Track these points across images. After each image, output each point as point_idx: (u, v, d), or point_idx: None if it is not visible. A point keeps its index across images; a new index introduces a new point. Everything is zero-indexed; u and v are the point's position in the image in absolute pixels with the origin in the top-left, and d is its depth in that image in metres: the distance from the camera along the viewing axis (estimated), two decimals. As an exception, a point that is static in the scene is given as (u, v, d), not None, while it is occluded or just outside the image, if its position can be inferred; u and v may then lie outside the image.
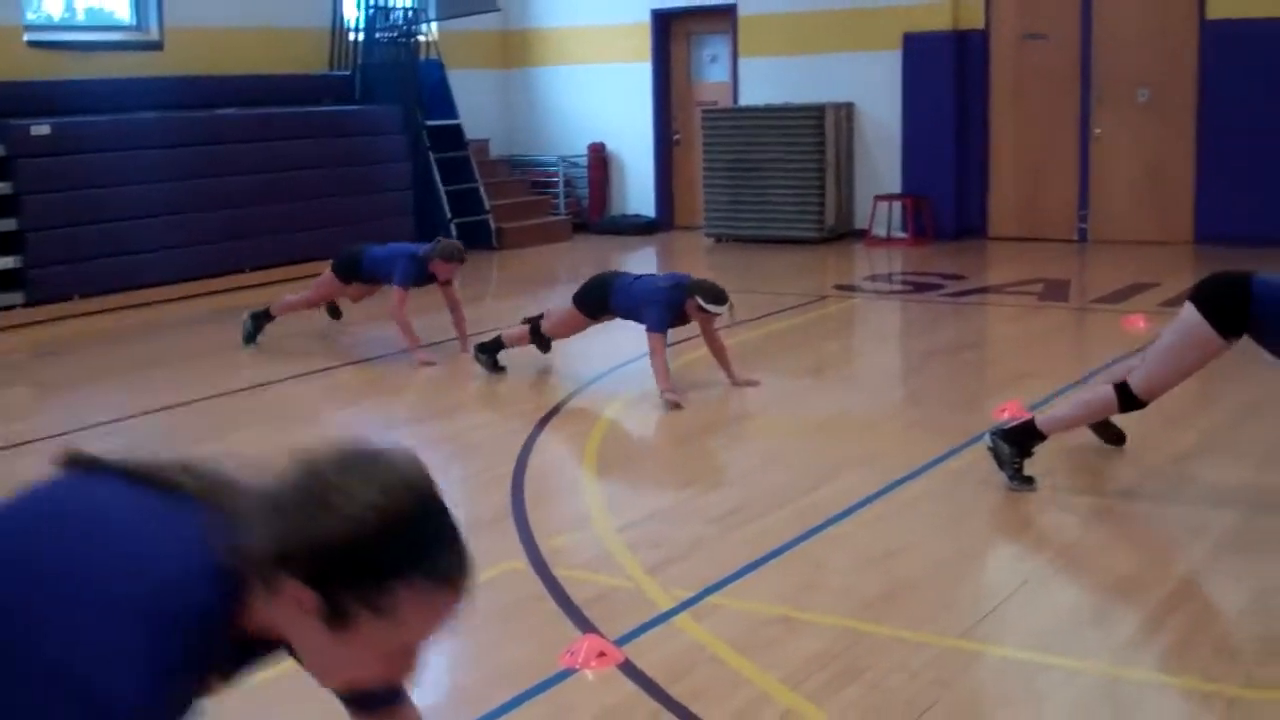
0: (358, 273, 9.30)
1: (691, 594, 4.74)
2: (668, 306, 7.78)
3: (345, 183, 13.44)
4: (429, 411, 8.06)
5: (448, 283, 9.00)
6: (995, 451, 5.89)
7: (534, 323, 8.47)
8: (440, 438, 7.24)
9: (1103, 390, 5.84)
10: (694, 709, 3.86)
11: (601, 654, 4.21)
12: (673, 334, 7.93)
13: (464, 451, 7.00)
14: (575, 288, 8.38)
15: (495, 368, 8.54)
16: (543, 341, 8.50)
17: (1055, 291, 11.13)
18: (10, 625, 1.60)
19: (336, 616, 1.65)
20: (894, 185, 14.55)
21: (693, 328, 8.07)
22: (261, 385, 8.45)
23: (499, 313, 9.94)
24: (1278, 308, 5.28)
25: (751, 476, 6.30)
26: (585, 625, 4.49)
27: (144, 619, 1.59)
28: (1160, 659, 4.20)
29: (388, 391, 8.61)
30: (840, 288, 11.91)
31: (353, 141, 13.66)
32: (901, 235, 14.31)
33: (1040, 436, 5.87)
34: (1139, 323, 9.27)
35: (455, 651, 4.33)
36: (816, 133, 14.36)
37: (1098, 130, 13.68)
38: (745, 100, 15.35)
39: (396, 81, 14.30)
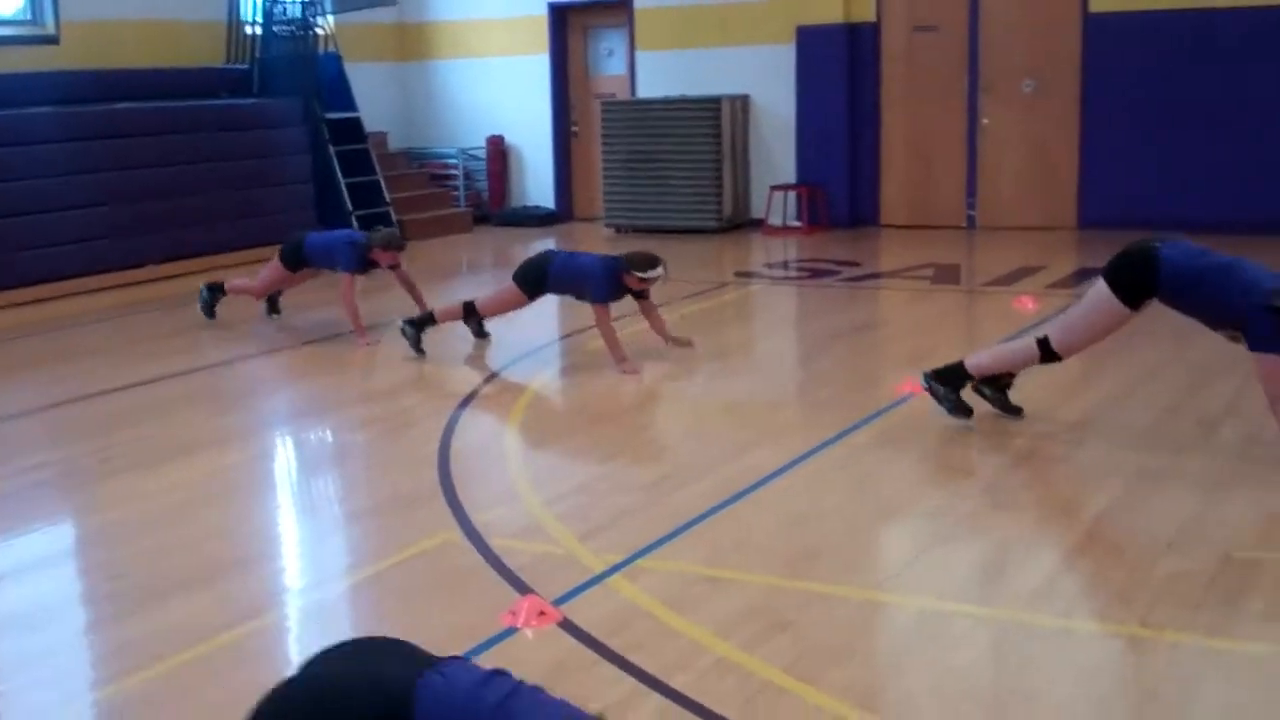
0: (302, 260, 9.60)
1: (622, 558, 4.98)
2: (608, 280, 8.17)
3: (246, 176, 13.48)
4: (360, 394, 8.25)
5: (395, 266, 9.38)
6: (932, 390, 6.70)
7: (469, 304, 8.81)
8: (372, 418, 7.45)
9: (1027, 343, 6.51)
10: (632, 660, 4.10)
11: (541, 613, 4.44)
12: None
13: (394, 431, 7.19)
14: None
15: (418, 346, 8.83)
16: (478, 324, 8.94)
17: (946, 275, 11.56)
18: None
19: None
20: (789, 175, 14.91)
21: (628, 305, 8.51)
22: (201, 369, 8.54)
23: (403, 305, 10.10)
24: (1180, 277, 5.97)
25: (670, 451, 6.55)
26: (523, 589, 4.71)
27: None
28: (1063, 606, 4.51)
29: (324, 373, 8.78)
30: (740, 274, 12.21)
31: (252, 135, 13.69)
32: (797, 224, 14.66)
33: (969, 377, 6.61)
34: (1027, 303, 9.67)
35: (402, 617, 4.53)
36: (713, 125, 14.66)
37: (985, 120, 14.15)
38: (643, 93, 15.62)
39: (295, 74, 14.35)
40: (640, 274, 8.14)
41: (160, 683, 4.11)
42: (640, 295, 8.40)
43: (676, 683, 3.92)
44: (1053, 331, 6.42)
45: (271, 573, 5.20)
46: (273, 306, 10.36)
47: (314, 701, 2.34)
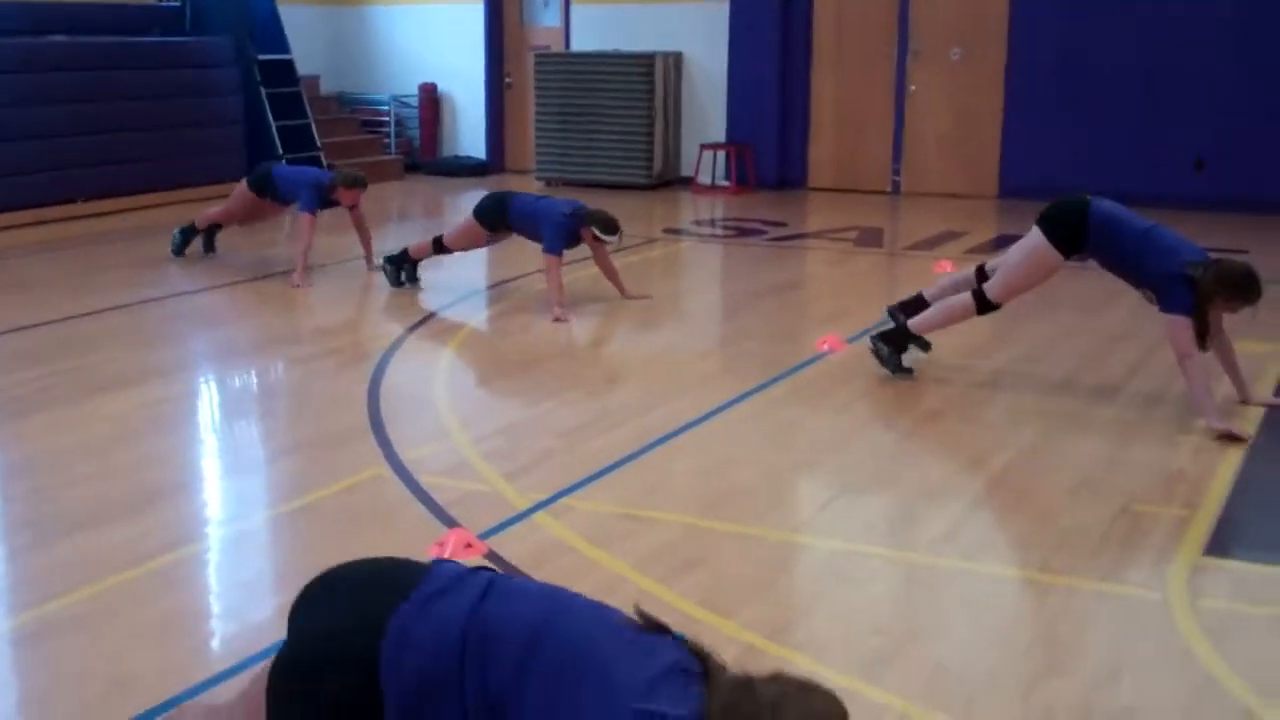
0: (270, 186, 9.80)
1: (546, 496, 5.15)
2: (565, 230, 8.41)
3: (176, 115, 13.38)
4: (294, 333, 8.36)
5: (354, 207, 9.58)
6: (876, 351, 6.92)
7: (438, 238, 9.13)
8: (305, 357, 7.57)
9: (964, 297, 6.80)
10: (556, 591, 4.27)
11: (468, 545, 4.59)
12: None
13: (327, 370, 7.28)
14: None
15: (397, 281, 9.20)
16: (412, 268, 9.27)
17: (870, 238, 11.79)
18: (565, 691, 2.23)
19: None
20: (719, 135, 15.05)
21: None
22: (137, 303, 8.55)
23: (332, 247, 10.21)
24: (1107, 228, 6.35)
25: (595, 398, 6.71)
26: (450, 523, 4.86)
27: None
28: (967, 550, 4.74)
29: (261, 312, 8.86)
30: (668, 231, 12.36)
31: (183, 74, 13.59)
32: (725, 184, 14.82)
33: (912, 336, 6.89)
34: (947, 267, 9.90)
35: (330, 546, 4.66)
36: (646, 81, 14.76)
37: (913, 86, 14.37)
38: (577, 46, 15.68)
39: (227, 14, 14.25)
40: (598, 233, 8.42)
41: (89, 604, 4.21)
42: (593, 245, 8.66)
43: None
44: (988, 285, 6.72)
45: (201, 503, 5.31)
46: (209, 245, 10.45)
47: (296, 676, 2.43)
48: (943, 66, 14.18)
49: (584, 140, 15.04)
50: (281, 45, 14.74)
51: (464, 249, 9.22)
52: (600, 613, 2.41)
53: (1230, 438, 5.88)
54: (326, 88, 16.46)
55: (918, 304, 7.15)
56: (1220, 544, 4.78)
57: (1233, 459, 5.67)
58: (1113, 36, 13.17)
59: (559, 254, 8.47)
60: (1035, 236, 6.54)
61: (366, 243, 9.89)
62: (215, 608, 4.36)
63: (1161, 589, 4.39)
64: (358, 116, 16.62)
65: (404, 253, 9.23)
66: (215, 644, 4.05)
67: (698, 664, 2.25)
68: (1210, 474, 5.49)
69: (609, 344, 8.09)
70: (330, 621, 2.43)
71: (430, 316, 8.58)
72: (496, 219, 8.79)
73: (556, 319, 8.24)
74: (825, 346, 7.53)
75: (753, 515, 5.03)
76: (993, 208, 13.45)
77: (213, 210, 10.37)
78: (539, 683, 2.26)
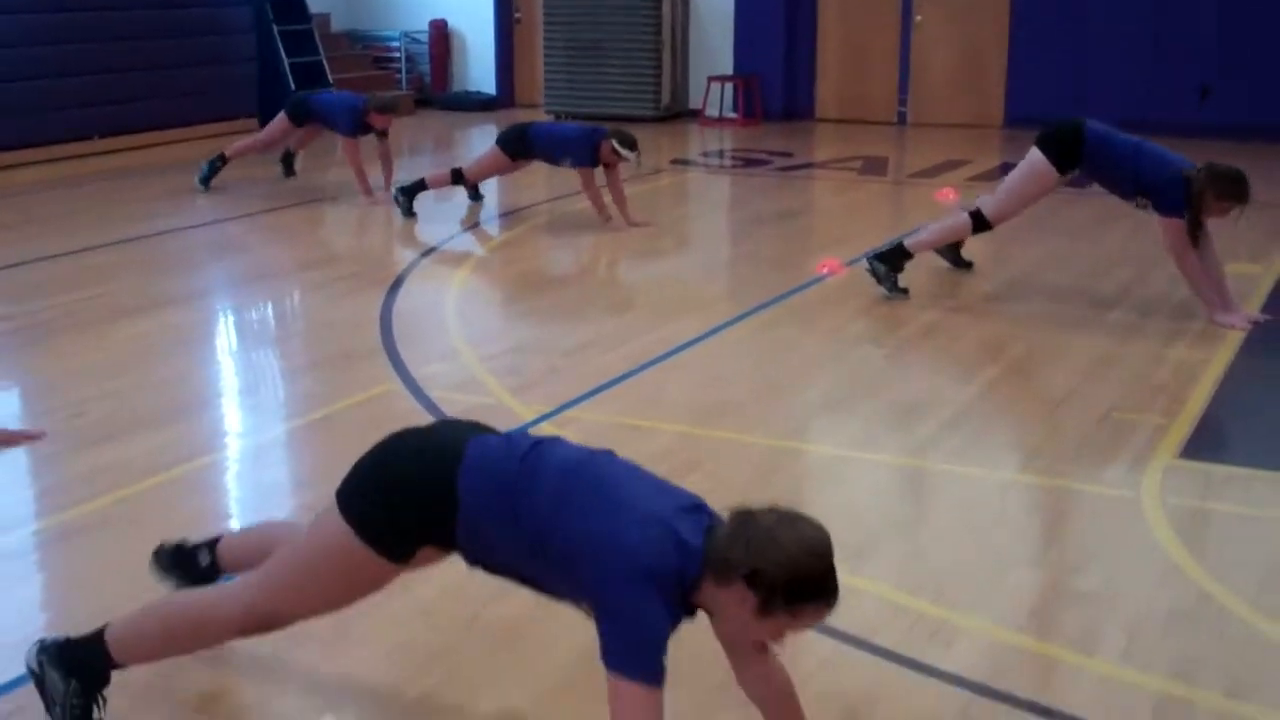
0: (308, 115, 10.14)
1: (550, 409, 5.39)
2: (589, 146, 8.80)
3: (190, 53, 13.55)
4: (309, 259, 8.56)
5: (384, 134, 9.92)
6: (873, 270, 7.14)
7: (456, 169, 9.51)
8: (321, 281, 7.78)
9: (961, 217, 7.12)
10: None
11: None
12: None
13: (342, 294, 7.49)
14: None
15: (409, 212, 9.47)
16: (470, 186, 9.69)
17: (874, 167, 11.97)
18: (579, 510, 2.67)
19: (763, 610, 2.56)
20: (726, 67, 15.18)
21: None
22: (164, 233, 8.79)
23: (342, 184, 10.44)
24: (1102, 146, 6.71)
25: (598, 320, 6.93)
26: (458, 432, 5.09)
27: (660, 545, 2.59)
28: (950, 453, 4.97)
29: (280, 240, 9.16)
30: (675, 162, 12.53)
31: (196, 12, 13.74)
32: (733, 115, 14.96)
33: (908, 255, 7.15)
34: (949, 194, 10.09)
35: (345, 454, 4.90)
36: (653, 14, 14.88)
37: (919, 17, 14.47)
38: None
39: (239, -48, 14.39)
40: (618, 147, 8.75)
41: (118, 508, 4.47)
42: (610, 167, 8.99)
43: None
44: (985, 203, 7.05)
45: (220, 416, 5.57)
46: (289, 168, 10.89)
47: (391, 453, 2.94)
48: (949, -3, 14.28)
49: (592, 74, 15.18)
50: (293, -17, 14.87)
51: (484, 178, 9.62)
52: (633, 465, 2.86)
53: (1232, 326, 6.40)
54: (337, 25, 16.59)
55: (898, 253, 7.20)
56: (1194, 448, 5.00)
57: (1213, 372, 5.89)
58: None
59: (591, 167, 8.90)
60: (1033, 155, 6.88)
61: (388, 172, 10.17)
62: (236, 510, 4.62)
63: (1135, 489, 4.62)
64: (369, 53, 16.76)
65: (420, 182, 9.51)
66: None
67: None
68: (1190, 386, 5.71)
69: (613, 269, 8.32)
70: (424, 442, 2.94)
71: (442, 243, 8.82)
72: (520, 146, 9.17)
73: (605, 220, 8.87)
74: (825, 270, 7.74)
75: (745, 424, 5.27)
76: (997, 137, 13.60)
77: (244, 142, 10.67)
78: (573, 505, 2.68)
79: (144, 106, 13.03)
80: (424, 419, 5.26)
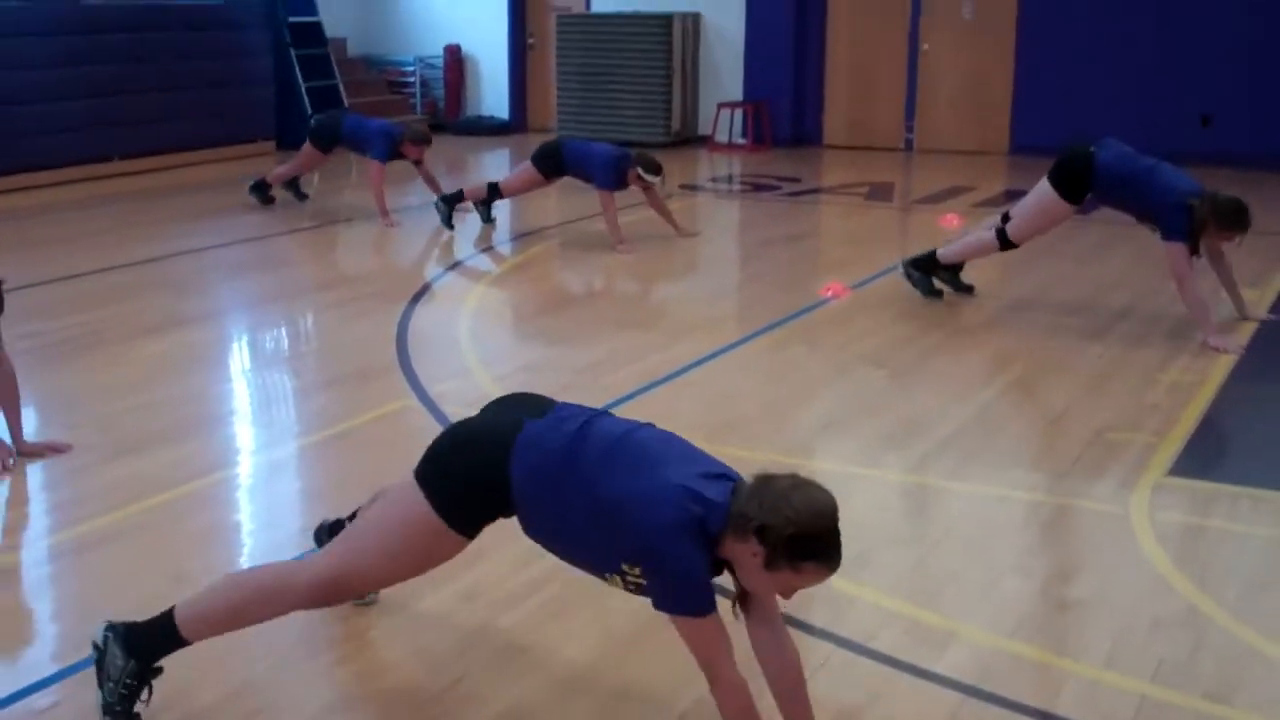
0: (336, 140, 10.47)
1: (561, 425, 5.55)
2: (615, 170, 9.13)
3: (208, 76, 13.79)
4: (330, 279, 8.83)
5: (419, 161, 10.22)
6: (908, 276, 7.71)
7: (493, 184, 9.97)
8: (339, 301, 8.00)
9: (988, 234, 7.54)
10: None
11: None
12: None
13: (359, 313, 7.70)
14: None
15: (449, 222, 9.95)
16: (492, 199, 10.09)
17: (881, 193, 12.17)
18: (618, 478, 2.99)
19: (770, 563, 2.86)
20: (736, 94, 15.40)
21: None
22: (188, 252, 9.00)
23: (355, 207, 10.67)
24: (1111, 176, 7.00)
25: (609, 339, 7.11)
26: (472, 446, 5.27)
27: (688, 503, 2.90)
28: (947, 470, 5.15)
29: (303, 260, 9.46)
30: (685, 187, 12.72)
31: (215, 35, 14.00)
32: (742, 141, 15.17)
33: (938, 264, 7.62)
34: (953, 220, 10.27)
35: (364, 468, 5.09)
36: (664, 41, 15.12)
37: (925, 46, 14.69)
38: (597, 8, 16.04)
39: (258, -23, 14.64)
40: (643, 173, 9.14)
41: (140, 518, 4.65)
42: (645, 189, 9.39)
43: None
44: (1009, 225, 7.40)
45: (237, 432, 5.75)
46: (299, 195, 11.19)
47: (455, 440, 3.29)
48: (955, 25, 14.49)
49: (604, 99, 15.41)
50: (310, 8, 15.12)
51: (518, 192, 10.02)
52: (670, 435, 3.20)
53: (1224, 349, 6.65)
54: (354, 50, 16.84)
55: (930, 261, 7.69)
56: (1183, 467, 5.17)
57: (1205, 394, 6.05)
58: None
59: (613, 191, 9.19)
60: (1045, 187, 7.19)
61: (437, 190, 10.52)
62: (253, 524, 4.75)
63: (1124, 505, 4.78)
64: (385, 78, 17.02)
65: (459, 193, 9.99)
66: (255, 549, 4.46)
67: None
68: (1182, 406, 5.87)
69: (624, 290, 8.51)
70: (495, 417, 3.30)
71: (456, 265, 9.04)
72: (552, 164, 9.53)
73: (621, 251, 9.06)
74: (829, 293, 7.93)
75: (750, 441, 5.44)
76: (1003, 163, 13.79)
77: (282, 168, 11.03)
78: (617, 471, 3.00)
79: (162, 129, 13.26)
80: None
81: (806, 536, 2.82)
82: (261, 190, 10.92)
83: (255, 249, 9.60)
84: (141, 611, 3.38)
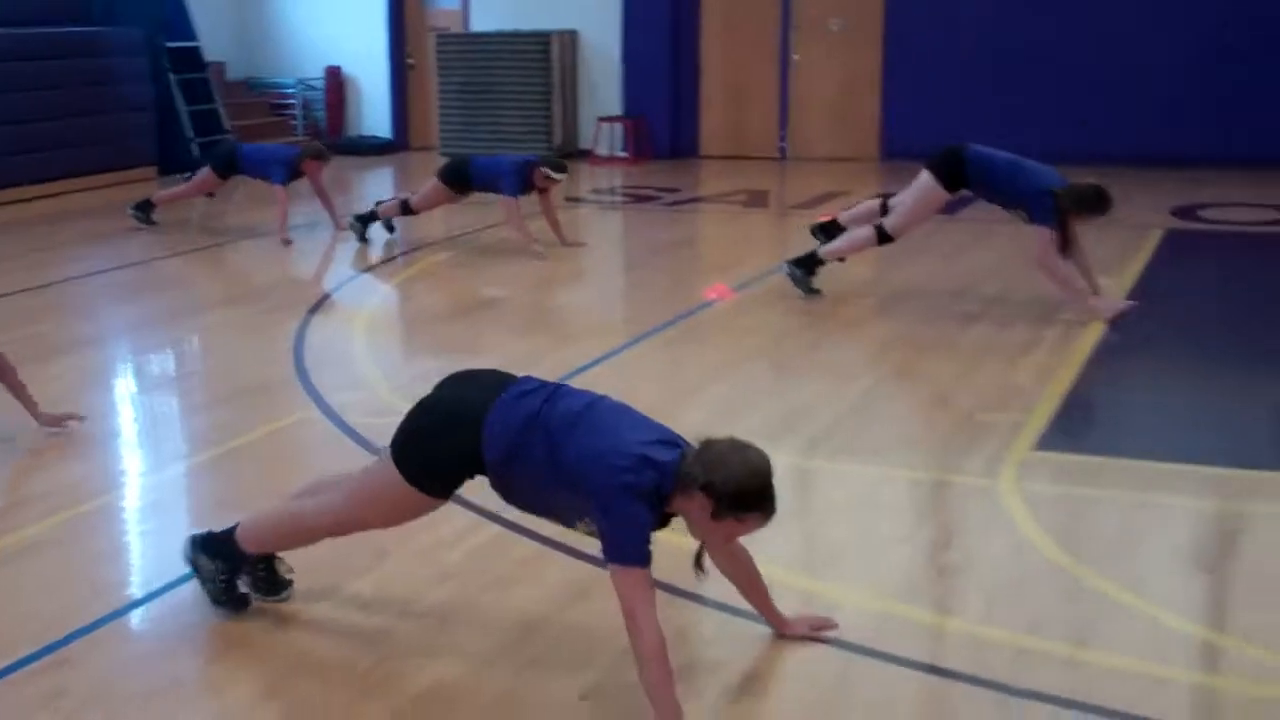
0: (237, 168, 10.75)
1: (463, 426, 5.78)
2: (521, 176, 9.47)
3: (87, 103, 13.74)
4: (227, 295, 8.93)
5: (545, 191, 10.10)
6: (791, 274, 8.02)
7: (404, 200, 10.24)
8: (236, 318, 8.16)
9: (867, 230, 7.97)
10: (471, 499, 4.90)
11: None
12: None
13: (257, 328, 7.90)
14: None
15: (364, 237, 10.31)
16: (383, 218, 10.39)
17: (757, 200, 12.60)
18: (582, 443, 3.37)
19: (717, 516, 3.31)
20: (615, 108, 15.71)
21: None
22: (82, 276, 9.05)
23: (239, 227, 10.79)
24: (983, 166, 7.63)
25: (501, 345, 7.34)
26: (378, 452, 5.45)
27: (642, 466, 3.31)
28: (829, 452, 5.46)
29: (197, 278, 9.68)
30: (569, 200, 12.96)
31: (94, 62, 13.94)
32: (622, 154, 15.48)
33: (820, 262, 8.00)
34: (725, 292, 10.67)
35: (272, 475, 5.27)
36: (543, 58, 15.41)
37: (797, 56, 15.13)
38: (476, 26, 16.26)
39: (135, 2, 14.62)
40: (548, 172, 9.48)
41: (37, 538, 4.77)
42: (544, 192, 9.72)
43: (510, 515, 4.75)
44: (887, 220, 7.88)
45: (139, 449, 5.88)
46: (147, 217, 11.12)
47: (428, 421, 3.64)
48: (825, 37, 14.95)
49: (486, 117, 15.65)
50: (189, 33, 15.13)
51: (428, 209, 10.25)
52: (625, 406, 3.59)
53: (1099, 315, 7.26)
54: (234, 73, 16.88)
55: (833, 227, 8.27)
56: (1047, 442, 5.54)
57: (1067, 375, 6.45)
58: (988, 2, 14.02)
59: (517, 197, 9.55)
60: (924, 177, 7.74)
61: (330, 207, 10.80)
62: (152, 537, 4.80)
63: (993, 477, 5.13)
64: (266, 100, 17.07)
65: (372, 213, 10.27)
66: (158, 563, 4.50)
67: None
68: (1046, 387, 6.26)
69: (513, 299, 8.72)
70: (461, 394, 3.66)
71: (353, 277, 9.24)
72: (458, 178, 9.85)
73: (534, 254, 9.41)
74: (714, 295, 8.25)
75: (646, 434, 5.70)
76: (874, 170, 14.25)
77: (175, 190, 11.20)
78: (580, 437, 3.38)
79: (44, 157, 13.21)
80: (344, 442, 5.66)
81: (746, 491, 3.27)
82: (144, 210, 10.99)
83: (146, 271, 9.66)
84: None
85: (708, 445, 3.34)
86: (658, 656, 3.24)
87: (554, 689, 3.58)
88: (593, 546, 3.50)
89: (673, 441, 3.42)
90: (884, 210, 8.11)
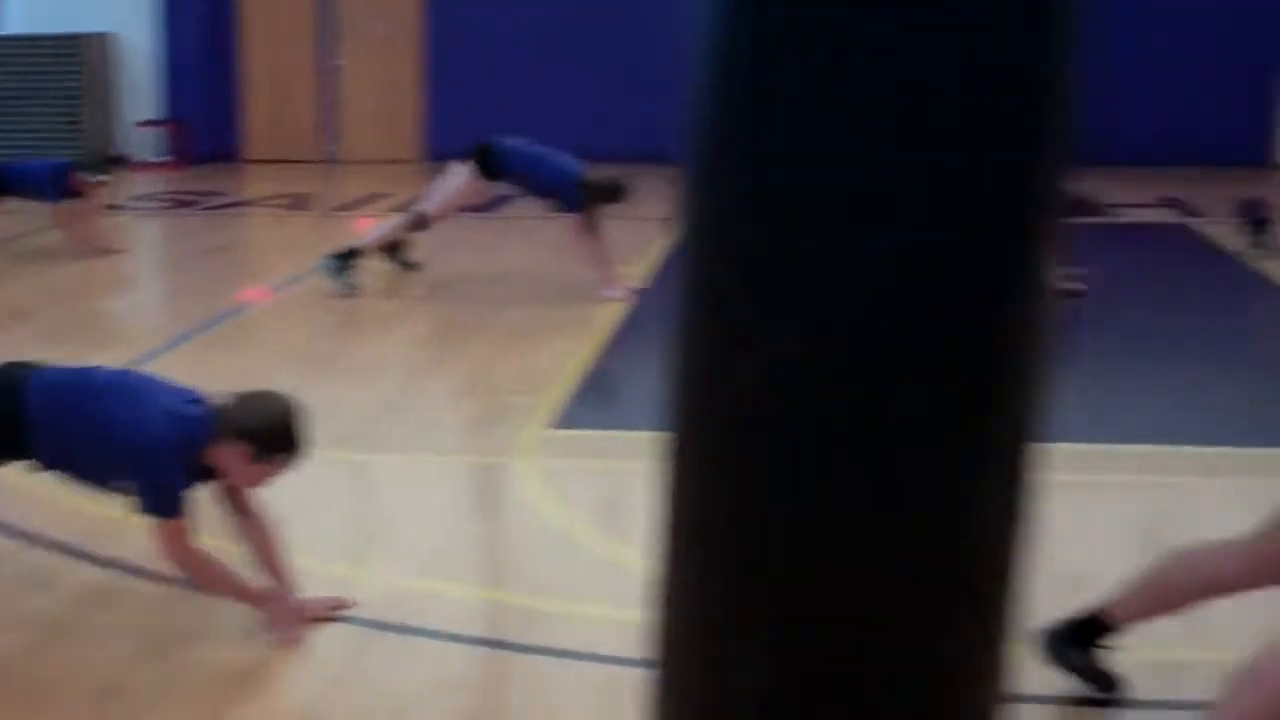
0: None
1: None
2: (55, 181, 9.50)
3: None
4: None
5: (85, 195, 9.69)
6: (327, 268, 8.26)
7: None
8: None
9: (404, 216, 8.47)
10: None
11: None
12: None
13: None
14: None
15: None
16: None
17: (301, 203, 12.71)
18: (116, 408, 3.69)
19: (255, 460, 3.66)
20: (155, 112, 15.37)
21: None
22: None
23: None
24: (514, 159, 8.24)
25: (37, 355, 7.16)
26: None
27: (174, 424, 3.66)
28: (367, 442, 5.72)
29: None
30: (109, 208, 12.62)
31: None
32: (164, 159, 15.16)
33: (358, 254, 8.30)
34: (367, 224, 10.90)
35: None
36: (74, 62, 14.92)
37: (342, 61, 15.28)
38: (6, 30, 15.54)
39: None
40: (87, 176, 9.48)
41: None
42: (84, 196, 9.55)
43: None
44: (423, 206, 8.39)
45: None
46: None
47: None
48: (368, 41, 15.15)
49: (14, 123, 15.00)
50: None
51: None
52: (151, 375, 4.04)
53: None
54: None
55: (351, 254, 8.34)
56: (562, 420, 5.99)
57: (584, 358, 6.95)
58: (525, 6, 14.57)
59: (59, 202, 9.42)
60: (459, 169, 8.29)
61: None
62: None
63: (510, 455, 5.52)
64: None
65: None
66: None
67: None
68: (562, 369, 6.73)
69: (50, 309, 8.46)
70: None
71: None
72: None
73: (82, 243, 9.45)
74: (252, 297, 8.35)
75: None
76: (418, 170, 14.54)
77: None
78: (111, 406, 3.70)
79: None
80: None
81: (274, 434, 3.65)
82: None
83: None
84: None
85: (241, 398, 3.71)
86: (207, 571, 3.78)
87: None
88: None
89: (199, 399, 3.79)
90: (416, 223, 8.49)
